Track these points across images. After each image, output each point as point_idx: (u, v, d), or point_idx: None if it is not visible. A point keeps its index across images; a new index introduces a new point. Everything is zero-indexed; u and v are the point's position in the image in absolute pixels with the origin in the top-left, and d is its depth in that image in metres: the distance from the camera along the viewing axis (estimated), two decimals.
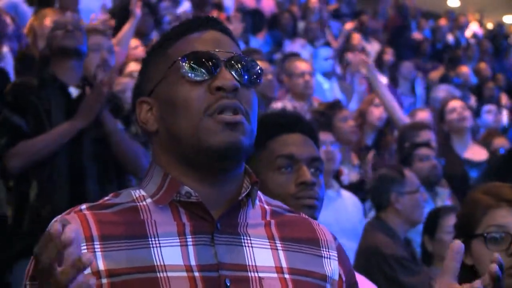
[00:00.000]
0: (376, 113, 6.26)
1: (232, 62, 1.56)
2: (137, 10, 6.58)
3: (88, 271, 1.41)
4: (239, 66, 1.56)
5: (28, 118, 3.89)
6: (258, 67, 1.59)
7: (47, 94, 3.92)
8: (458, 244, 1.58)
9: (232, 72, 1.54)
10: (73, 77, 4.02)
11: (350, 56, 6.57)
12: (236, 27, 7.90)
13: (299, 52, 8.25)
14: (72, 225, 1.28)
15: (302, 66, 6.33)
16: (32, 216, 3.81)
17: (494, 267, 1.52)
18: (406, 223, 4.36)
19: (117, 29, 6.69)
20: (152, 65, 1.62)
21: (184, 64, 1.54)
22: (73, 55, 4.02)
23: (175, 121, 1.53)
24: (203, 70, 1.54)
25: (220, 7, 9.86)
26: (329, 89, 8.04)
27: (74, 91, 3.99)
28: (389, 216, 4.32)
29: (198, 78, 1.53)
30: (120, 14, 6.85)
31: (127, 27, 6.54)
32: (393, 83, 8.70)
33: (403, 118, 6.16)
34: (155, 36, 7.46)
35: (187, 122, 1.51)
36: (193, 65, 1.54)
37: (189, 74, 1.53)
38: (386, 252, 4.15)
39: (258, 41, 9.57)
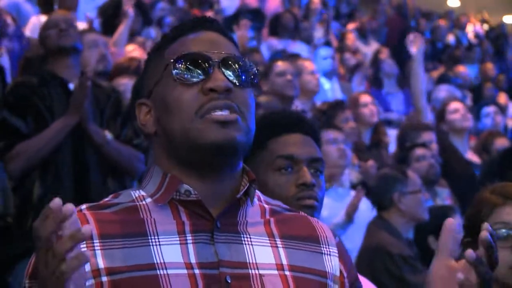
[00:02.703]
0: (367, 111, 6.26)
1: (229, 62, 1.55)
2: (130, 10, 6.58)
3: (88, 268, 1.43)
4: (236, 66, 1.55)
5: (29, 119, 3.91)
6: (255, 68, 1.59)
7: (48, 91, 3.96)
8: (452, 222, 1.59)
9: (229, 73, 1.54)
10: (72, 74, 4.06)
11: (410, 35, 6.63)
12: (243, 34, 7.90)
13: (299, 52, 8.24)
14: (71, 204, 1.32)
15: (306, 64, 6.39)
16: (35, 216, 3.78)
17: (485, 234, 1.50)
18: (409, 223, 4.36)
19: (108, 26, 6.69)
20: (150, 67, 1.63)
21: (178, 65, 1.54)
22: (70, 53, 4.07)
23: (168, 122, 1.54)
24: (198, 71, 1.54)
25: (217, 9, 9.81)
26: (330, 89, 8.03)
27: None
28: (392, 216, 4.32)
29: (193, 79, 1.53)
30: (110, 11, 6.84)
31: (122, 28, 6.53)
32: (376, 84, 8.52)
33: (427, 109, 6.26)
34: (145, 35, 7.48)
35: (179, 123, 1.52)
36: (187, 66, 1.54)
37: (185, 76, 1.54)
38: (392, 251, 4.15)
39: None
